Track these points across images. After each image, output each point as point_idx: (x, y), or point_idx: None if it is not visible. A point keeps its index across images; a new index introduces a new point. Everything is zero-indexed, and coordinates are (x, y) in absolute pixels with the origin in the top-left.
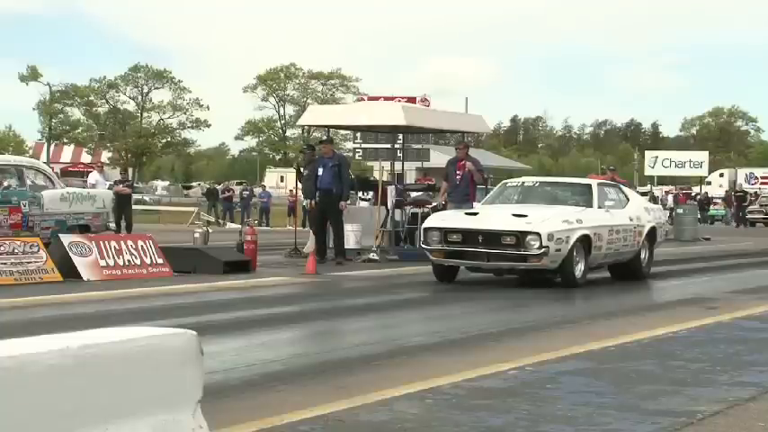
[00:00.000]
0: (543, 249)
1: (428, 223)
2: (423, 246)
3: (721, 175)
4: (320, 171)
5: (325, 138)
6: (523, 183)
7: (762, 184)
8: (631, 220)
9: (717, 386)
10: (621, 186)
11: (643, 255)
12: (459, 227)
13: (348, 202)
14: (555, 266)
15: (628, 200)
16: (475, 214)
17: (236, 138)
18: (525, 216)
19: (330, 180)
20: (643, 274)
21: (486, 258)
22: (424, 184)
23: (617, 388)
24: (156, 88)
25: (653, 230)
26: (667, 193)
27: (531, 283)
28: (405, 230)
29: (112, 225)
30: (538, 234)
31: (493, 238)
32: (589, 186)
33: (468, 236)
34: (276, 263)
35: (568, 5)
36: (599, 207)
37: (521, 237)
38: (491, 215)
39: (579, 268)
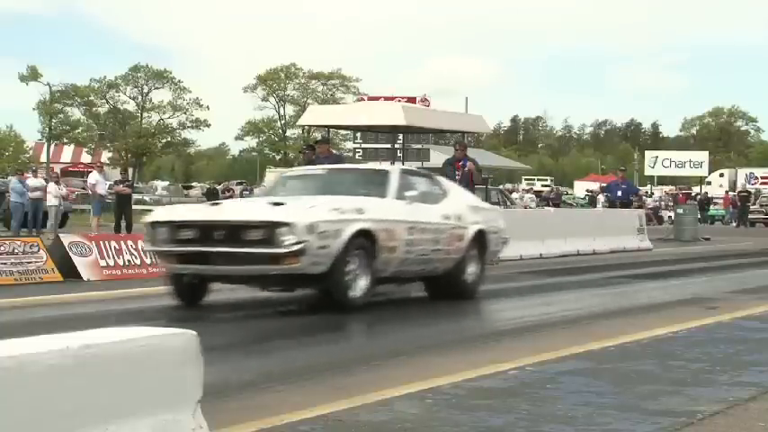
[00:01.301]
0: (300, 246)
1: (153, 217)
2: (145, 247)
3: (721, 175)
4: None
5: (321, 138)
6: (306, 172)
7: (762, 184)
8: (447, 218)
9: (717, 386)
10: (440, 179)
11: (471, 269)
12: (193, 219)
13: None
14: (321, 270)
15: (446, 194)
16: (219, 205)
17: (236, 138)
18: (283, 204)
19: None
20: (469, 292)
21: (225, 261)
22: None
23: (617, 388)
24: (156, 88)
25: (481, 235)
26: (641, 196)
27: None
28: None
29: None
30: (290, 225)
31: (235, 232)
32: (386, 173)
33: (206, 231)
34: None
35: (569, 6)
36: (397, 198)
37: (271, 229)
38: (241, 206)
39: (360, 285)
